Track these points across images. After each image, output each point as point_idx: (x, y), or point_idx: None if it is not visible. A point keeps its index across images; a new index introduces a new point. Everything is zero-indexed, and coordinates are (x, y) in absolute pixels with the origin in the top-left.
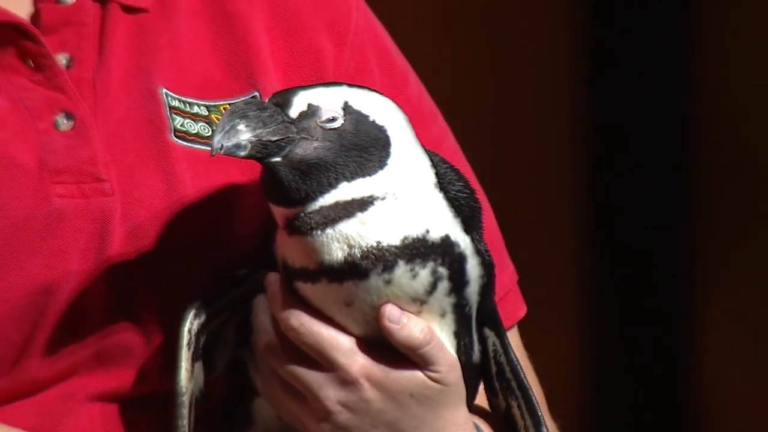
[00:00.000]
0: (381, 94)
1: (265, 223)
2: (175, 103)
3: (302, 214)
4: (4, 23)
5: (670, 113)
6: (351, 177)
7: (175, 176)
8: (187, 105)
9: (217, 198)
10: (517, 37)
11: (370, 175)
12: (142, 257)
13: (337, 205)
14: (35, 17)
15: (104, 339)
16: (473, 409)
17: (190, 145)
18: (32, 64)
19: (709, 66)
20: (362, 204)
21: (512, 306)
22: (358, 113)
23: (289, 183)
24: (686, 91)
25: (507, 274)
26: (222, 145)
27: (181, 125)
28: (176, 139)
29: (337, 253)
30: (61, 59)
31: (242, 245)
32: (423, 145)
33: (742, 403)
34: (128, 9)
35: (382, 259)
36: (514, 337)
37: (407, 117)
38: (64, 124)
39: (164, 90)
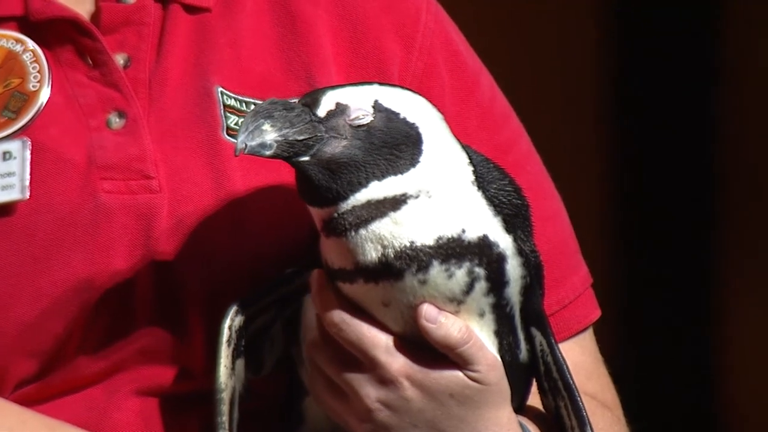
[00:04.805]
0: (414, 92)
1: (312, 223)
2: (231, 102)
3: (336, 215)
4: (62, 18)
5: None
6: (382, 176)
7: (225, 174)
8: (244, 104)
9: (266, 196)
10: (546, 15)
11: (401, 173)
12: (187, 254)
13: (369, 204)
14: (96, 16)
15: (149, 335)
16: (527, 409)
17: None
18: (90, 61)
19: (740, 55)
20: (395, 203)
21: (584, 309)
22: (389, 111)
23: (320, 182)
24: (715, 79)
25: (579, 277)
26: (246, 145)
27: (235, 124)
28: (228, 138)
29: (371, 253)
30: (119, 59)
31: (289, 244)
32: (490, 151)
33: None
34: (190, 8)
35: (416, 260)
36: (587, 342)
37: (442, 115)
38: (116, 122)
39: (220, 89)
